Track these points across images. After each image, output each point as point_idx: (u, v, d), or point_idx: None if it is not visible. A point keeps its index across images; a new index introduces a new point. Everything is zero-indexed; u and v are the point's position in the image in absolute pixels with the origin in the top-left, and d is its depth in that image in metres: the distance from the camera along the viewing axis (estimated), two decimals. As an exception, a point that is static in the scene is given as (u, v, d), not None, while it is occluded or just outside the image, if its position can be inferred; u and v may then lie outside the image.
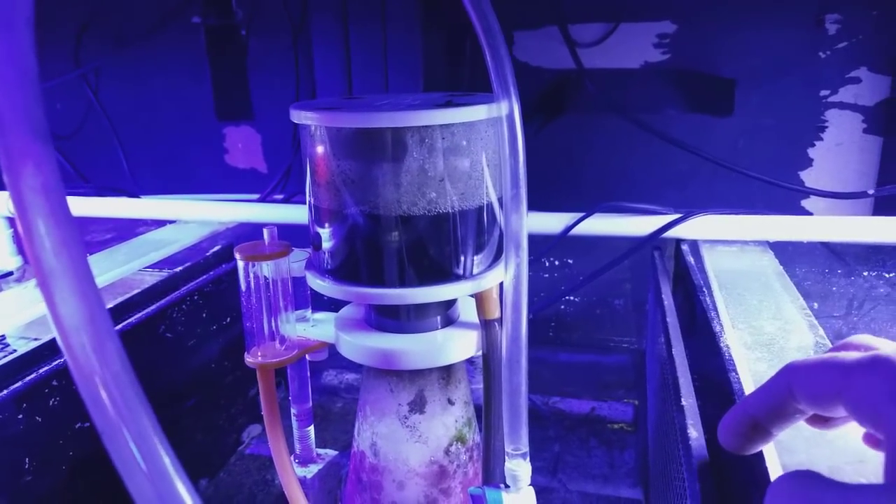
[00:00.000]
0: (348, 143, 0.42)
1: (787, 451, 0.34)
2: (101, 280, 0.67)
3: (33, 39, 0.20)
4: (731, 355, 0.46)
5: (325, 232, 0.46)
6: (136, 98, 1.07)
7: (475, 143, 0.43)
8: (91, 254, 0.77)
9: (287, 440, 0.54)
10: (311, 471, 0.57)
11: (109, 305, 0.64)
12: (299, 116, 0.43)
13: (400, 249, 0.44)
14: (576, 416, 0.79)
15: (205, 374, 0.74)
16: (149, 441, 0.19)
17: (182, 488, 0.18)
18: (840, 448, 0.34)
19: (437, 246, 0.44)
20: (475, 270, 0.46)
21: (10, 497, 0.50)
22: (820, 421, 0.31)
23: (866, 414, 0.25)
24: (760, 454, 0.34)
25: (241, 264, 0.49)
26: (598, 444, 0.74)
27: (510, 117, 0.41)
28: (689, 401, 0.43)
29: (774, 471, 0.34)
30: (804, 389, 0.28)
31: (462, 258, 0.45)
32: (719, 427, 0.32)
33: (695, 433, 0.39)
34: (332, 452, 0.59)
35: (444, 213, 0.43)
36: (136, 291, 0.67)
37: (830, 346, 0.48)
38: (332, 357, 0.90)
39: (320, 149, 0.43)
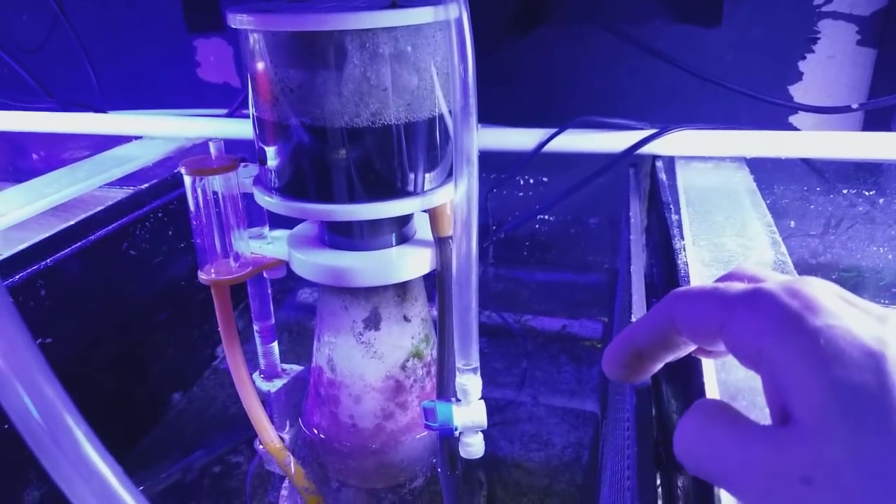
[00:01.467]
0: (286, 48, 0.40)
1: (723, 368, 0.34)
2: (62, 195, 0.66)
3: None
4: (687, 272, 0.45)
5: (269, 146, 0.44)
6: (103, 10, 1.03)
7: (422, 50, 0.41)
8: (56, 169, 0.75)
9: (253, 358, 0.54)
10: (276, 385, 0.57)
11: (71, 222, 0.63)
12: (235, 20, 0.41)
13: (346, 163, 0.42)
14: (547, 333, 0.79)
15: (174, 291, 0.74)
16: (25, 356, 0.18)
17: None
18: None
19: (384, 160, 0.42)
20: (426, 186, 0.44)
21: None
22: (703, 352, 0.30)
23: (747, 352, 0.23)
24: (698, 367, 0.34)
25: (187, 179, 0.47)
26: (568, 361, 0.74)
27: (458, 21, 0.39)
28: (639, 317, 0.42)
29: (710, 384, 0.33)
30: (685, 322, 0.26)
31: (411, 173, 0.43)
32: (604, 356, 0.31)
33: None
34: (296, 368, 0.59)
35: (390, 125, 0.41)
36: (98, 209, 0.66)
37: (790, 264, 0.47)
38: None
39: (258, 55, 0.41)
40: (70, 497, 0.19)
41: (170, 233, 0.72)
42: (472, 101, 0.40)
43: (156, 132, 0.81)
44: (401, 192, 0.43)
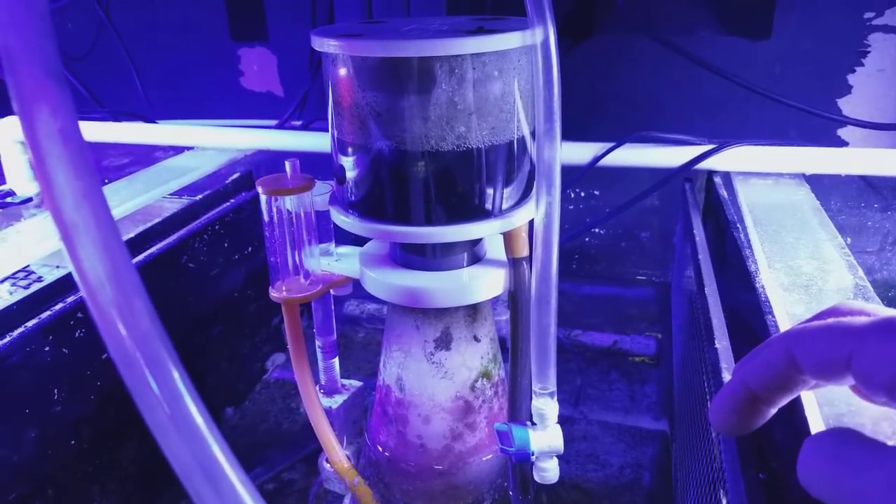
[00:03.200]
0: (373, 73, 0.40)
1: (827, 402, 0.34)
2: (123, 209, 0.67)
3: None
4: (767, 296, 0.44)
5: (349, 166, 0.44)
6: (148, 18, 1.04)
7: (507, 73, 0.41)
8: (110, 181, 0.76)
9: (312, 370, 0.54)
10: (337, 401, 0.57)
11: (131, 235, 0.63)
12: (321, 44, 0.41)
13: (427, 186, 0.42)
14: (598, 348, 0.78)
15: (229, 303, 0.74)
16: (180, 402, 0.18)
17: (217, 449, 0.18)
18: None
19: (465, 183, 0.42)
20: (504, 207, 0.44)
21: (41, 425, 0.51)
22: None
23: (881, 381, 0.23)
24: (799, 403, 0.34)
25: (263, 198, 0.47)
26: (619, 377, 0.74)
27: (545, 45, 0.39)
28: (722, 343, 0.42)
29: (813, 419, 0.33)
30: (809, 357, 0.26)
31: (491, 195, 0.43)
32: (711, 408, 0.30)
33: (729, 377, 0.39)
34: (356, 383, 0.59)
35: (474, 149, 0.41)
36: (157, 220, 0.66)
37: (871, 288, 0.46)
38: (355, 286, 0.90)
39: (344, 79, 0.41)
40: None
41: (226, 244, 0.73)
42: (557, 124, 0.40)
43: (208, 143, 0.82)
44: (480, 214, 0.43)
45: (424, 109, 0.40)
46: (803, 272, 0.48)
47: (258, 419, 0.72)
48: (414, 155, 0.41)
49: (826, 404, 0.34)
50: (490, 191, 0.43)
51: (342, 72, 0.41)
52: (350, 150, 0.43)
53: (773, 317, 0.42)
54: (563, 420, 0.44)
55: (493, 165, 0.42)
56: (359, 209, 0.45)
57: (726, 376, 0.39)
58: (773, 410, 0.29)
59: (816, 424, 0.32)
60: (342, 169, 0.45)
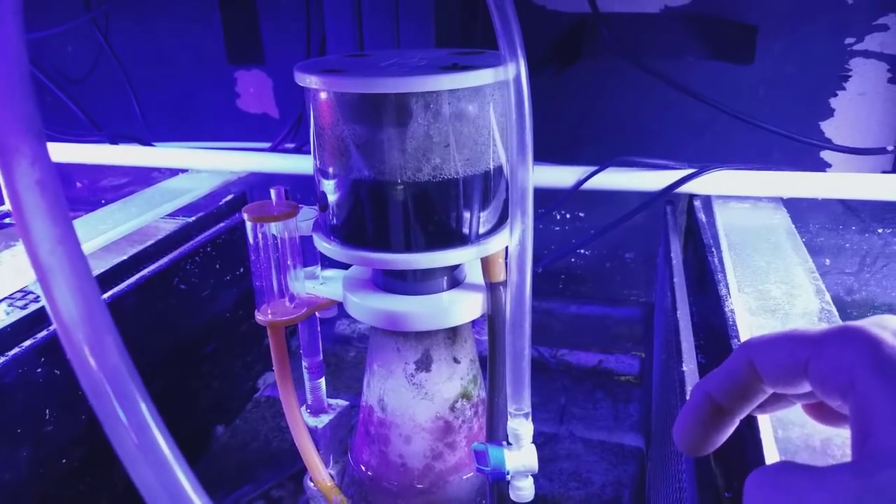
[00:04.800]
0: (352, 107, 0.42)
1: (781, 425, 0.35)
2: (118, 231, 0.68)
3: (22, 29, 0.20)
4: (734, 321, 0.46)
5: (330, 194, 0.46)
6: (146, 41, 1.06)
7: (481, 107, 0.42)
8: (107, 202, 0.78)
9: (299, 391, 0.55)
10: (323, 421, 0.58)
11: (125, 256, 0.65)
12: (303, 80, 0.43)
13: (406, 215, 0.44)
14: (583, 368, 0.80)
15: (220, 323, 0.76)
16: (147, 432, 0.19)
17: (182, 477, 0.19)
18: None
19: (442, 211, 0.44)
20: (481, 233, 0.46)
21: (32, 446, 0.52)
22: (773, 402, 0.30)
23: (836, 384, 0.24)
24: (754, 423, 0.35)
25: (249, 225, 0.49)
26: (604, 397, 0.75)
27: (517, 80, 0.40)
28: (689, 366, 0.44)
29: (766, 434, 0.34)
30: (769, 363, 0.27)
31: (468, 223, 0.45)
32: (676, 426, 0.30)
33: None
34: (342, 403, 0.61)
35: (450, 179, 0.43)
36: (150, 242, 0.68)
37: (836, 313, 0.48)
38: (340, 308, 0.91)
39: (324, 112, 0.43)
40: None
41: (217, 266, 0.74)
42: (529, 155, 0.42)
43: (202, 166, 0.84)
44: (457, 241, 0.45)
45: (401, 142, 0.41)
46: (772, 296, 0.49)
47: (248, 437, 0.73)
48: (392, 185, 0.43)
49: (780, 426, 0.35)
50: (467, 218, 0.45)
51: (323, 105, 0.43)
52: (331, 179, 0.45)
53: (739, 340, 0.44)
54: (547, 438, 0.46)
55: (469, 194, 0.44)
56: (340, 236, 0.47)
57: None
58: (736, 423, 0.30)
59: (770, 448, 0.34)
60: (325, 196, 0.47)
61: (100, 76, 1.09)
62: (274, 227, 0.50)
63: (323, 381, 0.60)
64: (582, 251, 0.88)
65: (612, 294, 0.88)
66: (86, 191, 1.05)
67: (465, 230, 0.45)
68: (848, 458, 0.23)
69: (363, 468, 0.54)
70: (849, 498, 0.20)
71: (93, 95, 1.09)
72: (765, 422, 0.35)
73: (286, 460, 0.68)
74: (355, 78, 0.40)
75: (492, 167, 0.44)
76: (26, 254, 0.20)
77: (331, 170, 0.44)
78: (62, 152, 0.90)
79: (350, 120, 0.42)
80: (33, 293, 0.65)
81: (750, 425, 0.35)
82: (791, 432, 0.35)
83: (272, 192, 0.50)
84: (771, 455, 0.33)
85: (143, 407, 0.20)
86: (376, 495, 0.53)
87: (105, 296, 0.60)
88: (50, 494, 0.54)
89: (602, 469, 0.64)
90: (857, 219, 0.76)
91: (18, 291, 0.76)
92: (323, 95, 0.42)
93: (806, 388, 0.26)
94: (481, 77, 0.41)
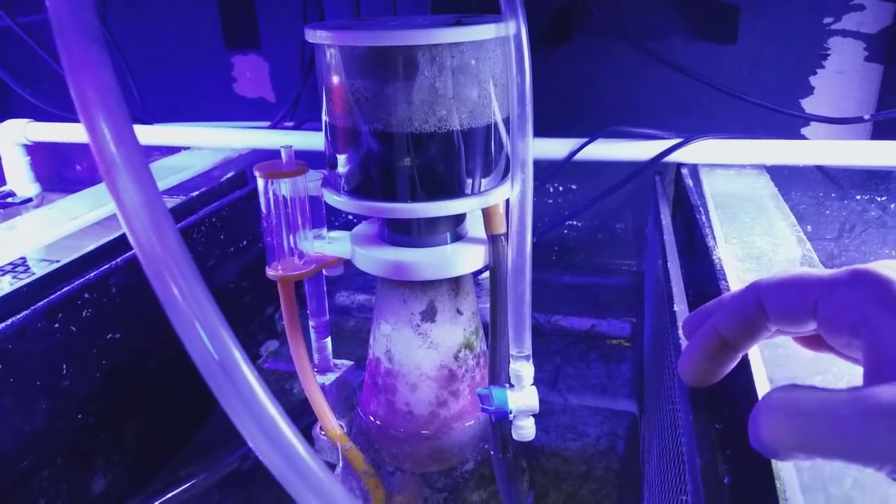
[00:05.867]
0: (361, 61, 0.44)
1: (772, 365, 0.37)
2: (109, 209, 0.70)
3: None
4: (722, 267, 0.49)
5: (340, 150, 0.48)
6: (144, 27, 1.08)
7: (484, 63, 0.45)
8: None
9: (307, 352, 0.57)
10: (329, 378, 0.61)
11: (118, 234, 0.67)
12: (314, 36, 0.45)
13: (411, 166, 0.46)
14: (577, 332, 0.83)
15: (224, 293, 0.78)
16: (203, 306, 0.22)
17: (230, 342, 0.22)
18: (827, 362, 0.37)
19: (446, 162, 0.46)
20: (482, 187, 0.48)
21: (50, 400, 0.54)
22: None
23: (847, 322, 0.25)
24: (746, 362, 0.37)
25: (260, 182, 0.51)
26: (597, 358, 0.78)
27: (517, 37, 0.43)
28: (680, 307, 0.46)
29: (759, 375, 0.36)
30: (776, 304, 0.28)
31: (470, 175, 0.47)
32: (681, 360, 0.32)
33: (685, 342, 0.43)
34: (348, 363, 0.63)
35: (454, 131, 0.45)
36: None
37: (816, 259, 0.51)
38: (345, 279, 0.93)
39: (334, 68, 0.45)
40: (240, 430, 0.23)
41: (221, 237, 0.76)
42: (529, 109, 0.44)
43: (203, 143, 0.86)
44: (460, 192, 0.47)
45: (408, 94, 0.44)
46: (756, 246, 0.52)
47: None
48: (400, 137, 0.45)
49: (771, 367, 0.38)
50: (469, 170, 0.47)
51: (332, 62, 0.45)
52: (341, 133, 0.47)
53: (727, 282, 0.46)
54: (543, 396, 0.48)
55: (472, 147, 0.47)
56: (349, 188, 0.49)
57: (684, 343, 0.43)
58: (738, 357, 0.32)
59: (760, 377, 0.36)
60: (334, 153, 0.49)
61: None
62: (284, 186, 0.52)
63: (329, 340, 0.62)
64: (574, 222, 0.91)
65: (603, 264, 0.91)
66: (85, 173, 1.07)
67: (468, 181, 0.48)
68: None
69: (371, 418, 0.56)
70: (862, 418, 0.21)
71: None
72: (755, 360, 0.37)
73: (292, 418, 0.70)
74: (365, 31, 0.43)
75: (494, 121, 0.47)
76: (93, 151, 0.22)
77: (340, 124, 0.47)
78: (64, 132, 0.91)
79: (359, 74, 0.44)
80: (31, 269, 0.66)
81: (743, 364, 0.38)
82: (783, 373, 0.37)
83: (282, 150, 0.52)
84: (763, 389, 0.36)
85: (198, 285, 0.22)
86: (383, 442, 0.56)
87: (118, 259, 0.62)
88: (66, 447, 0.56)
89: (596, 422, 0.67)
90: (837, 186, 0.79)
91: (22, 265, 0.78)
92: (333, 51, 0.45)
93: (811, 326, 0.28)
94: (484, 31, 0.43)
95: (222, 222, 0.76)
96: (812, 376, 0.36)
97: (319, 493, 0.22)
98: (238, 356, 0.22)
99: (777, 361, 0.37)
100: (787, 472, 0.29)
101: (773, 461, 0.30)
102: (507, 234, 0.49)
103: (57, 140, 0.93)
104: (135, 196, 0.22)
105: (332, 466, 0.63)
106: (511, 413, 0.48)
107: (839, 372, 0.36)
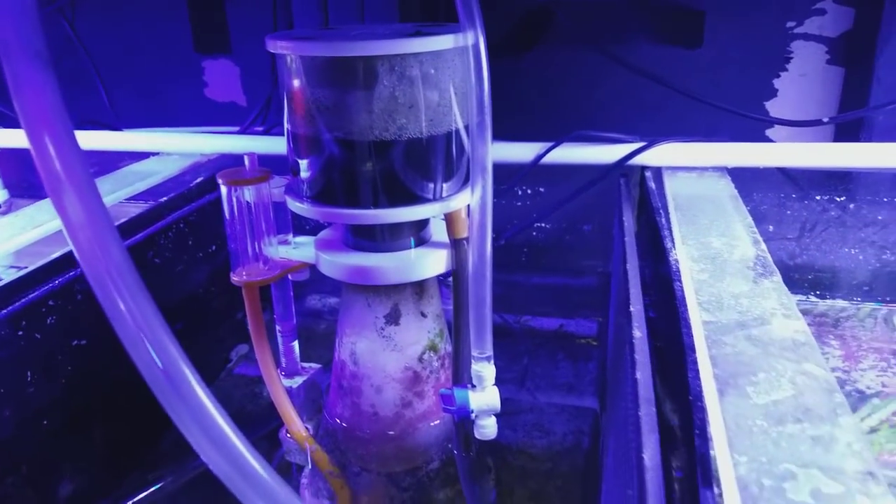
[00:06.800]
0: (322, 71, 0.45)
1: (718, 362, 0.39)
2: None
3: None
4: (678, 267, 0.50)
5: (303, 158, 0.49)
6: (113, 31, 1.07)
7: (443, 72, 0.46)
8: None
9: (274, 357, 0.58)
10: (296, 382, 0.61)
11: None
12: (275, 46, 0.46)
13: (373, 172, 0.47)
14: (545, 332, 0.84)
15: (193, 298, 0.78)
16: (147, 314, 0.22)
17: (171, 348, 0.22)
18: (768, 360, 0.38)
19: (407, 169, 0.47)
20: (444, 193, 0.49)
21: (15, 407, 0.54)
22: None
23: None
24: (694, 360, 0.39)
25: (224, 189, 0.52)
26: (565, 357, 0.79)
27: (475, 47, 0.44)
28: (636, 307, 0.48)
29: (705, 372, 0.38)
30: None
31: (432, 181, 0.48)
32: None
33: (638, 333, 0.44)
34: (316, 366, 0.64)
35: (415, 138, 0.46)
36: (122, 220, 0.70)
37: (770, 259, 0.52)
38: (316, 282, 0.94)
39: (296, 77, 0.46)
40: (189, 439, 0.24)
41: (190, 242, 0.76)
42: (488, 117, 0.45)
43: (172, 148, 0.86)
44: (422, 197, 0.48)
45: (368, 103, 0.45)
46: (713, 247, 0.54)
47: (223, 402, 0.75)
48: (361, 144, 0.46)
49: (714, 346, 0.39)
50: (431, 176, 0.48)
51: (294, 71, 0.46)
52: (303, 141, 0.48)
53: (680, 283, 0.48)
54: (511, 395, 0.49)
55: (433, 153, 0.47)
56: (312, 195, 0.50)
57: (637, 334, 0.44)
58: None
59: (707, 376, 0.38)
60: (296, 160, 0.50)
61: (67, 67, 1.10)
62: (247, 193, 0.52)
63: (296, 344, 0.63)
64: (543, 225, 0.92)
65: (571, 265, 0.92)
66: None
67: (430, 187, 0.48)
68: None
69: (338, 420, 0.57)
70: None
71: (60, 85, 1.10)
72: (703, 358, 0.39)
73: (261, 421, 0.71)
74: (325, 42, 0.43)
75: (454, 128, 0.48)
76: (39, 170, 0.23)
77: (303, 132, 0.47)
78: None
79: (320, 83, 0.45)
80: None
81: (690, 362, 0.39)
82: (724, 350, 0.39)
83: (245, 158, 0.52)
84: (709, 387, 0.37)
85: (142, 296, 0.23)
86: (349, 443, 0.56)
87: (72, 274, 0.62)
88: (31, 454, 0.56)
89: (563, 420, 0.68)
90: (797, 187, 0.81)
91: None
92: (294, 61, 0.45)
93: None
94: (442, 42, 0.44)
95: (191, 227, 0.77)
96: (756, 373, 0.37)
97: (265, 495, 0.23)
98: (182, 365, 0.23)
99: (722, 359, 0.38)
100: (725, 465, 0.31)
101: (713, 456, 0.31)
102: (468, 238, 0.50)
103: (25, 146, 0.92)
104: (79, 211, 0.23)
105: (300, 468, 0.64)
106: (473, 413, 0.49)
107: (782, 369, 0.37)
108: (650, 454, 0.33)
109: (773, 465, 0.30)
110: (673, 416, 0.41)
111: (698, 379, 0.37)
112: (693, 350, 0.39)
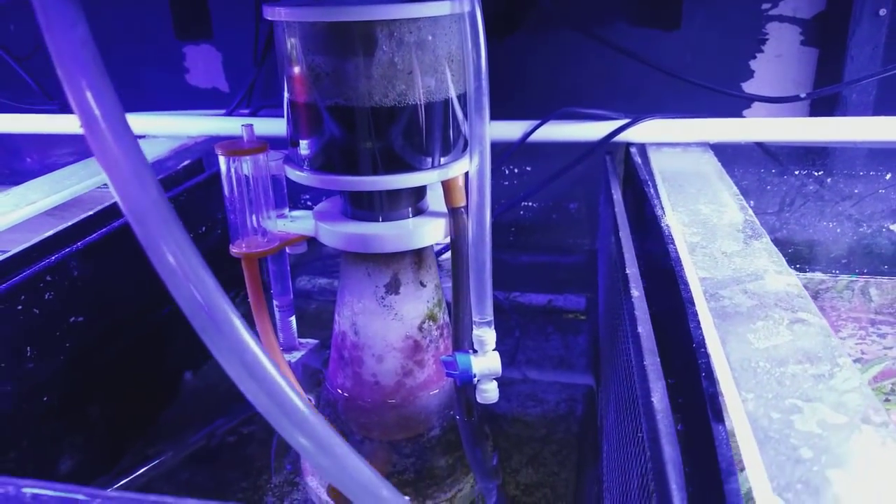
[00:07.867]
0: (320, 37, 0.45)
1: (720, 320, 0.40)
2: (67, 194, 0.69)
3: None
4: (670, 232, 0.51)
5: (302, 127, 0.49)
6: (92, 17, 1.06)
7: (441, 39, 0.47)
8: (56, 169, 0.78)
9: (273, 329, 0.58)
10: (295, 356, 0.62)
11: (90, 213, 0.66)
12: (273, 13, 0.46)
13: (372, 139, 0.47)
14: (535, 307, 0.85)
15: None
16: (186, 252, 0.23)
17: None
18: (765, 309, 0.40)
19: (406, 136, 0.48)
20: (442, 161, 0.50)
21: (15, 382, 0.54)
22: None
23: None
24: (697, 324, 0.40)
25: (222, 160, 0.52)
26: (555, 331, 0.81)
27: (472, 14, 0.45)
28: (632, 269, 0.49)
29: (710, 335, 0.39)
30: None
31: (430, 148, 0.49)
32: None
33: (636, 293, 0.45)
34: (312, 341, 0.64)
35: (413, 105, 0.47)
36: (106, 205, 0.69)
37: (758, 223, 0.54)
38: (306, 264, 0.94)
39: (294, 45, 0.46)
40: (229, 372, 0.24)
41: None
42: (485, 84, 0.46)
43: (159, 131, 0.85)
44: (420, 165, 0.49)
45: (367, 69, 0.45)
46: (702, 213, 0.55)
47: (217, 380, 0.75)
48: (361, 111, 0.47)
49: (712, 299, 0.41)
50: (429, 143, 0.49)
51: (292, 38, 0.46)
52: (302, 109, 0.48)
53: (674, 245, 0.49)
54: (503, 366, 0.50)
55: (431, 120, 0.48)
56: (311, 163, 0.50)
57: (635, 293, 0.45)
58: None
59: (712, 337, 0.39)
60: (295, 129, 0.50)
61: (46, 53, 1.08)
62: (245, 165, 0.53)
63: (294, 319, 0.63)
64: (529, 203, 0.93)
65: (559, 243, 0.94)
66: (37, 164, 1.05)
67: (428, 154, 0.49)
68: None
69: (339, 391, 0.58)
70: None
71: (41, 73, 1.09)
72: (706, 319, 0.40)
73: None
74: (323, 7, 0.44)
75: (452, 96, 0.49)
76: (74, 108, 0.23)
77: (302, 100, 0.48)
78: (14, 123, 0.89)
79: (318, 50, 0.46)
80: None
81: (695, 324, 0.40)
82: (723, 303, 0.40)
83: (243, 129, 0.53)
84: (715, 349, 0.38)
85: (180, 232, 0.23)
86: (351, 413, 0.57)
87: (79, 243, 0.62)
88: (32, 429, 0.56)
89: (555, 389, 0.69)
90: (776, 163, 0.83)
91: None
92: (292, 28, 0.46)
93: None
94: (439, 8, 0.45)
95: (179, 209, 0.76)
96: (755, 322, 0.39)
97: (304, 429, 0.24)
98: (222, 301, 0.23)
99: (721, 311, 0.39)
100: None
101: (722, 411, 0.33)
102: (466, 207, 0.51)
103: (6, 131, 0.91)
104: (114, 147, 0.23)
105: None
106: (475, 377, 0.50)
107: (779, 318, 0.39)
108: (658, 397, 0.34)
109: (779, 400, 0.32)
110: (676, 369, 0.43)
111: (700, 328, 0.38)
112: (692, 303, 0.41)
